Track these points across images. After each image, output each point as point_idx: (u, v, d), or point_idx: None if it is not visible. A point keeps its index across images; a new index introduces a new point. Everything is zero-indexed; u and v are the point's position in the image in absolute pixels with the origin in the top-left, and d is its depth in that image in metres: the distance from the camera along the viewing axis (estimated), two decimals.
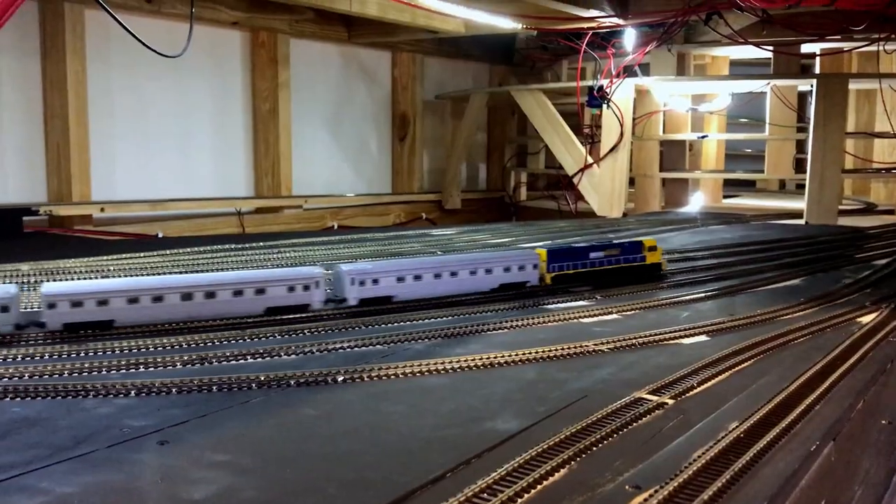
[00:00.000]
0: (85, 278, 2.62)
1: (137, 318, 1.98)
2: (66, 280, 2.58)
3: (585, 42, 5.26)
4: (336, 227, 5.67)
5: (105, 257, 2.95)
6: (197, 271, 2.81)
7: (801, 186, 5.32)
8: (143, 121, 4.73)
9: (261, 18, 5.11)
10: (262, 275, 2.15)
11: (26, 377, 1.61)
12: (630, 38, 5.26)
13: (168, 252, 3.15)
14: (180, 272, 2.79)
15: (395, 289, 2.30)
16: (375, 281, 2.26)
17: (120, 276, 2.65)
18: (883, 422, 1.47)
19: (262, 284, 2.10)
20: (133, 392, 1.53)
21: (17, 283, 2.48)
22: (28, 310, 2.08)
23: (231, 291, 2.07)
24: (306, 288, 2.15)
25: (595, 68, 5.49)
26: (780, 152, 5.60)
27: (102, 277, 2.65)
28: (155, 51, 2.81)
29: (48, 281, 2.52)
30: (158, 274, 2.73)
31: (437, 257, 2.82)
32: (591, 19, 5.02)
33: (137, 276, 2.66)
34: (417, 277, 2.33)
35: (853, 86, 5.63)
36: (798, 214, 4.92)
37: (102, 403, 1.49)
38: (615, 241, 2.84)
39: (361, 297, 2.25)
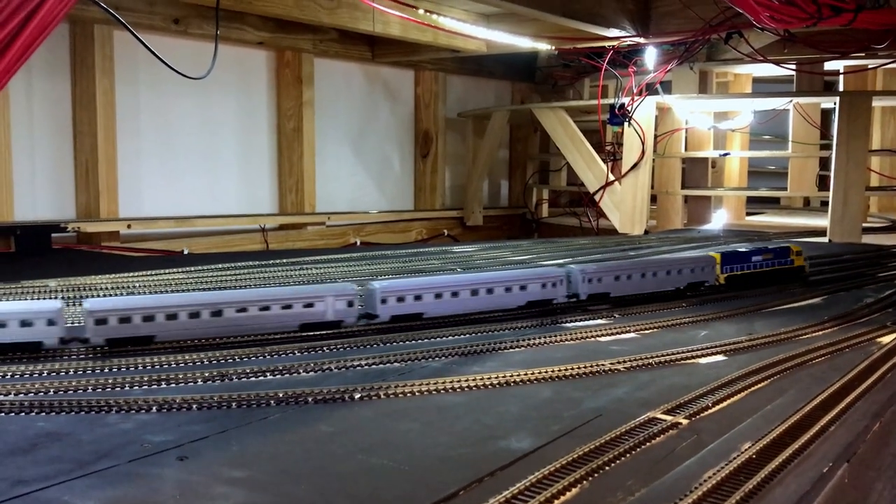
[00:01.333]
0: (111, 294, 2.67)
1: (441, 311, 2.33)
2: (105, 296, 2.63)
3: (607, 60, 5.28)
4: (358, 243, 5.71)
5: (131, 273, 3.01)
6: (222, 288, 2.85)
7: (825, 204, 5.28)
8: (169, 138, 4.81)
9: (286, 38, 5.19)
10: (524, 274, 2.50)
11: (51, 392, 1.65)
12: (651, 56, 5.27)
13: (192, 269, 3.20)
14: (206, 288, 2.83)
15: (612, 286, 2.64)
16: (599, 279, 2.60)
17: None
18: None
19: (524, 282, 2.45)
20: (154, 408, 1.57)
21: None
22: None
23: (504, 288, 2.42)
24: (553, 285, 2.51)
25: (617, 86, 5.50)
26: (803, 169, 5.57)
27: (129, 294, 2.69)
28: (181, 73, 2.86)
29: (80, 297, 2.57)
30: (186, 290, 2.78)
31: (640, 259, 3.13)
32: (613, 38, 5.03)
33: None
34: (629, 277, 2.67)
35: (878, 103, 5.59)
36: (822, 232, 4.88)
37: (125, 419, 1.52)
38: (769, 247, 3.13)
39: (590, 292, 2.58)
